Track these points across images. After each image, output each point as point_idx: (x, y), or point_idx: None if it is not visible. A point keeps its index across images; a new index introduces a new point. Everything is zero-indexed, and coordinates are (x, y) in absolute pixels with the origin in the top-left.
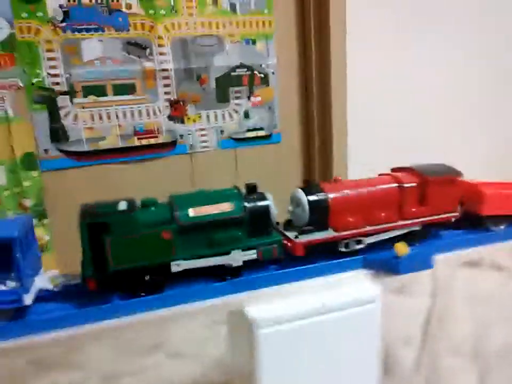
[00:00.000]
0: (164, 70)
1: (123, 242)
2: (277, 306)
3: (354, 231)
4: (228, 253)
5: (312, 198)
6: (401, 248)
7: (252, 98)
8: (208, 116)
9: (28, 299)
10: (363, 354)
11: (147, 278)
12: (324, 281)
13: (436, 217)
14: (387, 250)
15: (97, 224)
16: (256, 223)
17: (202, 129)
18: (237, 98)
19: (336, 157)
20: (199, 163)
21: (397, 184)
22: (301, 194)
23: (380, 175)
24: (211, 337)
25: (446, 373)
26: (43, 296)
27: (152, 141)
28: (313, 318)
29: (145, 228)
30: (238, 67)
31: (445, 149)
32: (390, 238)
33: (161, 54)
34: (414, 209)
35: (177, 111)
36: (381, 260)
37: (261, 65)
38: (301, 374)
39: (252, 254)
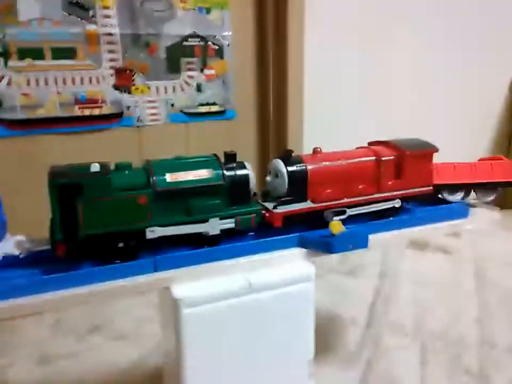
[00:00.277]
0: (108, 34)
1: (96, 206)
2: (204, 285)
3: (333, 202)
4: (205, 221)
5: (291, 168)
6: (336, 227)
7: (205, 71)
8: (157, 87)
9: None
10: (297, 335)
11: (120, 244)
12: (256, 260)
13: (411, 190)
14: (322, 229)
15: (69, 185)
16: (235, 191)
17: (151, 101)
18: (189, 70)
19: (292, 133)
20: (147, 137)
21: (374, 157)
22: (280, 164)
23: (357, 148)
24: (151, 317)
25: (389, 352)
26: (6, 262)
27: (96, 111)
28: (240, 298)
29: (120, 191)
30: (190, 36)
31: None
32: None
33: (105, 16)
34: (390, 183)
35: (123, 80)
36: (315, 238)
37: (215, 36)
38: (229, 355)
39: (229, 223)
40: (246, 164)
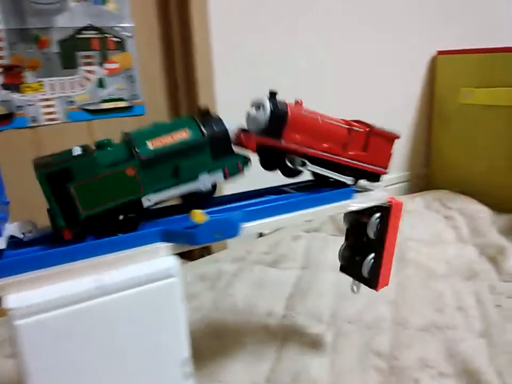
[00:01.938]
0: None
1: (88, 187)
2: (45, 291)
3: (302, 148)
4: (195, 179)
5: (274, 104)
6: (197, 216)
7: (106, 65)
8: (52, 84)
9: (1, 243)
10: (165, 335)
11: (121, 217)
12: (113, 258)
13: (371, 166)
14: (185, 220)
15: (57, 172)
16: (217, 145)
17: (46, 99)
18: (87, 64)
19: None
20: (45, 138)
21: (347, 126)
22: (265, 99)
23: None
24: None
25: (301, 342)
26: (14, 243)
27: None
28: (90, 302)
29: (108, 168)
30: (85, 29)
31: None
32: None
33: None
34: (355, 153)
35: (11, 78)
36: (178, 231)
37: (113, 28)
38: (86, 367)
39: (218, 176)
40: (220, 117)
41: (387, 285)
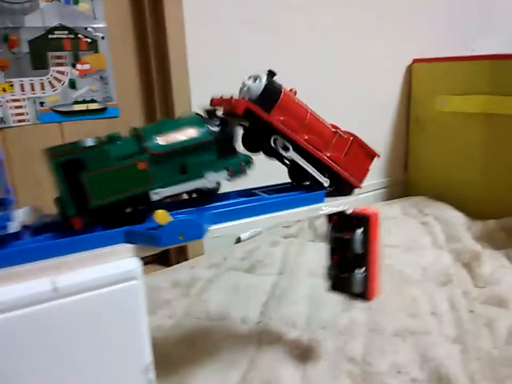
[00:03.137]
0: None
1: (100, 177)
2: None
3: (287, 130)
4: (201, 176)
5: (271, 79)
6: (160, 217)
7: (79, 66)
8: (22, 85)
9: (13, 227)
10: (126, 340)
11: (128, 210)
12: (72, 259)
13: (346, 173)
14: (149, 221)
15: (71, 161)
16: (222, 145)
17: (15, 100)
18: (59, 65)
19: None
20: (14, 139)
21: (334, 129)
22: (263, 74)
23: None
24: None
25: (274, 349)
26: (22, 229)
27: None
28: (44, 305)
29: (119, 160)
30: (56, 29)
31: None
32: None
33: None
34: (334, 154)
35: None
36: (141, 232)
37: (86, 29)
38: (40, 374)
39: (223, 175)
40: (226, 117)
41: (379, 294)
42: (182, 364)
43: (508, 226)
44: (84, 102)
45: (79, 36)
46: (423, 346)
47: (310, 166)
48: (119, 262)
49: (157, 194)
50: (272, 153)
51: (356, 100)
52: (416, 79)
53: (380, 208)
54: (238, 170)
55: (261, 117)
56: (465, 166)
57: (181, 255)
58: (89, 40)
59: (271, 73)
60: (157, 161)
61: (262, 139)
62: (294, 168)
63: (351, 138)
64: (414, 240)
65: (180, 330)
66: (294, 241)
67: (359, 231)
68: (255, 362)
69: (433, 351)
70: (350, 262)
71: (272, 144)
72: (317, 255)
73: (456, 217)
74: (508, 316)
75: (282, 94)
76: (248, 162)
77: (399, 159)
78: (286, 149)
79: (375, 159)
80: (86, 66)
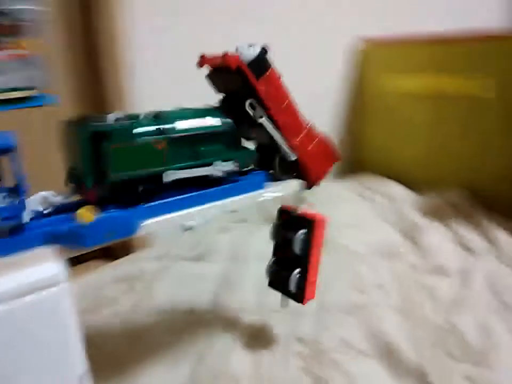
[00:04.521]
0: None
1: (122, 152)
2: None
3: (268, 100)
4: (210, 164)
5: (264, 52)
6: (84, 215)
7: (11, 51)
8: None
9: (26, 216)
10: (55, 350)
11: (141, 188)
12: None
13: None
14: (71, 221)
15: (100, 132)
16: (232, 138)
17: None
18: None
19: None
20: None
21: (308, 122)
22: (259, 45)
23: None
24: None
25: (224, 336)
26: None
27: None
28: None
29: (140, 137)
30: None
31: None
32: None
33: None
34: (299, 144)
35: None
36: (64, 232)
37: (20, 11)
38: None
39: (231, 165)
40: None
41: (313, 298)
42: (128, 363)
43: (449, 200)
44: (12, 89)
45: (12, 18)
46: (370, 319)
47: (279, 136)
48: (41, 267)
49: (169, 176)
50: (244, 120)
51: (303, 81)
52: (365, 59)
53: (327, 187)
54: (243, 162)
55: (249, 79)
56: (410, 144)
57: (126, 248)
58: (24, 24)
59: (265, 48)
60: (173, 144)
61: (239, 103)
62: (259, 148)
63: (318, 134)
64: (361, 216)
65: (126, 328)
66: (243, 226)
67: (302, 232)
68: (205, 353)
69: (380, 324)
70: (289, 261)
71: (247, 107)
72: (267, 239)
73: (401, 193)
74: (449, 284)
75: (271, 68)
76: (253, 156)
77: (349, 139)
78: (261, 117)
79: (336, 163)
80: (13, 51)
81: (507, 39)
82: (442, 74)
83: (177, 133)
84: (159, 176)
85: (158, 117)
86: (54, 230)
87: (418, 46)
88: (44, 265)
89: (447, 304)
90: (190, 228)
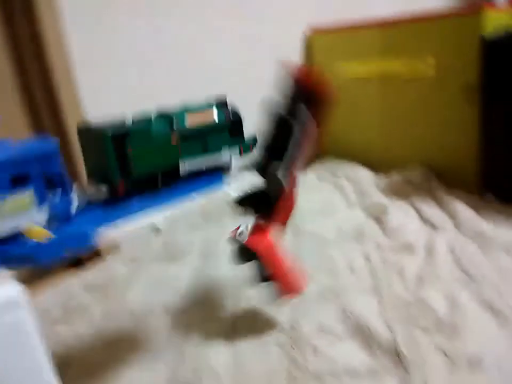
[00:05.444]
0: None
1: (142, 150)
2: None
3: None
4: (217, 153)
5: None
6: (35, 234)
7: None
8: None
9: (73, 209)
10: (20, 377)
11: (160, 179)
12: None
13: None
14: (22, 239)
15: (121, 135)
16: (235, 127)
17: None
18: None
19: (69, 109)
20: None
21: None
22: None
23: None
24: None
25: (206, 330)
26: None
27: None
28: None
29: (157, 137)
30: None
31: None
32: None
33: None
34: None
35: None
36: (16, 253)
37: None
38: None
39: (235, 151)
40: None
41: (293, 290)
42: (106, 370)
43: (410, 178)
44: None
45: None
46: (344, 303)
47: (293, 149)
48: None
49: (185, 166)
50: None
51: (252, 73)
52: (315, 48)
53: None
54: (247, 148)
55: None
56: (365, 127)
57: (94, 254)
58: None
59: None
60: (185, 138)
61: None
62: (271, 141)
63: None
64: (329, 202)
65: (101, 336)
66: (213, 221)
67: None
68: (184, 351)
69: (353, 306)
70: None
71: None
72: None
73: (365, 175)
74: (415, 261)
75: None
76: (255, 142)
77: None
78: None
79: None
80: None
81: (445, 18)
82: (388, 57)
83: (188, 127)
84: (176, 167)
85: (165, 116)
86: (5, 252)
87: (363, 31)
88: (2, 288)
89: (414, 280)
90: (157, 229)
